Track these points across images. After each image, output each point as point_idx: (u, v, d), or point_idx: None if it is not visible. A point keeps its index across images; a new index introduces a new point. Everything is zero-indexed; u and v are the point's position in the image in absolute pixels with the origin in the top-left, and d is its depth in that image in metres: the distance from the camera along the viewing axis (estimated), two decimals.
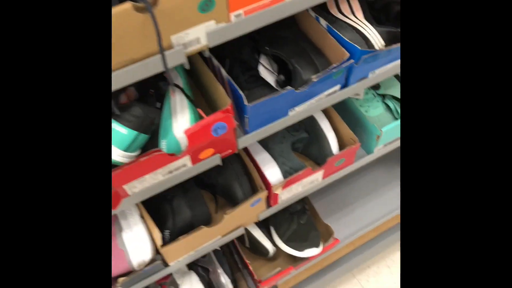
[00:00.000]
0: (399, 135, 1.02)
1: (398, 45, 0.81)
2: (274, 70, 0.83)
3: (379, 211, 1.28)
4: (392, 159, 1.38)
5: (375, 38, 0.84)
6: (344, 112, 1.04)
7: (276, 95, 0.73)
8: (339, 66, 0.77)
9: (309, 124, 0.99)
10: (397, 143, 1.05)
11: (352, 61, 0.77)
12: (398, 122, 0.96)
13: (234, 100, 0.78)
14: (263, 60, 0.84)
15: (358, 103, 1.06)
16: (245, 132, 0.79)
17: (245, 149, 0.96)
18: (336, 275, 1.29)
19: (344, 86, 0.84)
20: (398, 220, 1.33)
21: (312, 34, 0.85)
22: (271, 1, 0.64)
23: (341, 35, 0.79)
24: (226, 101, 0.72)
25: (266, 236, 1.09)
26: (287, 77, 0.83)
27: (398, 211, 1.27)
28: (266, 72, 0.82)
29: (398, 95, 1.03)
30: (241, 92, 0.72)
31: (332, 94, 0.84)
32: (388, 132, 0.97)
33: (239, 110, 0.78)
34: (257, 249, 1.11)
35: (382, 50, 0.79)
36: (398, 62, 0.87)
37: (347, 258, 1.29)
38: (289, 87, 0.74)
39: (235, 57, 0.83)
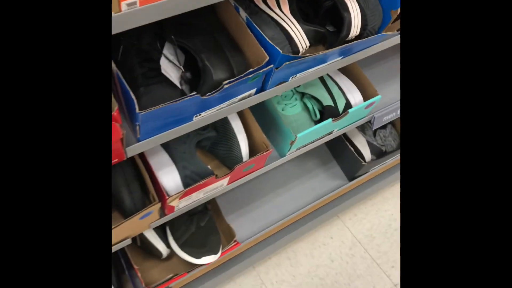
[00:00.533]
0: (314, 138, 0.94)
1: (326, 52, 0.71)
2: (180, 64, 0.69)
3: (287, 207, 1.22)
4: (303, 154, 1.31)
5: (300, 37, 0.73)
6: (260, 108, 0.93)
7: (177, 102, 0.60)
8: (256, 72, 0.65)
9: (219, 122, 0.87)
10: (311, 146, 0.98)
11: (271, 66, 0.66)
12: (313, 128, 0.88)
13: (124, 99, 0.63)
14: (167, 51, 0.69)
15: (276, 100, 0.96)
16: (137, 140, 0.65)
17: None
18: (236, 271, 1.23)
19: (261, 90, 0.73)
20: (304, 214, 1.30)
21: (231, 26, 0.72)
22: None
23: (261, 31, 0.67)
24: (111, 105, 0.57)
25: (160, 237, 0.98)
26: (195, 74, 0.69)
27: (306, 207, 1.23)
28: (170, 66, 0.68)
29: (317, 95, 0.95)
30: (132, 96, 0.58)
31: (246, 98, 0.72)
32: (302, 138, 0.88)
33: (130, 112, 0.63)
34: (149, 250, 1.00)
35: (307, 57, 0.68)
36: (323, 66, 0.77)
37: (249, 253, 1.23)
38: (194, 93, 0.61)
39: (132, 44, 0.67)
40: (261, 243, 1.25)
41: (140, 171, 0.79)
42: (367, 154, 1.19)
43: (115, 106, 0.56)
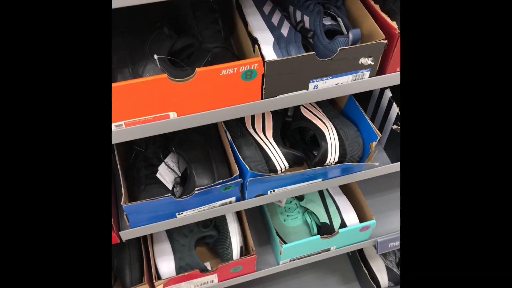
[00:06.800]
0: (305, 252, 1.01)
1: (294, 172, 0.83)
2: (179, 171, 0.87)
3: None
4: (324, 267, 1.34)
5: (278, 159, 0.86)
6: (264, 214, 1.05)
7: (153, 200, 0.76)
8: (225, 183, 0.79)
9: (220, 222, 1.01)
10: (310, 260, 1.04)
11: (239, 179, 0.80)
12: (301, 241, 0.96)
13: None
14: (170, 158, 0.88)
15: (280, 210, 1.07)
16: (130, 226, 0.82)
17: (150, 236, 0.99)
18: None
19: (241, 199, 0.86)
20: None
21: (224, 143, 0.89)
22: (154, 118, 0.68)
23: (239, 151, 0.82)
24: None
25: None
26: (185, 180, 0.86)
27: None
28: (167, 172, 0.86)
29: (315, 211, 1.04)
30: (122, 190, 0.76)
31: (227, 204, 0.86)
32: (290, 249, 0.97)
33: None
34: None
35: (273, 175, 0.81)
36: (301, 185, 0.88)
37: None
38: (168, 195, 0.77)
39: (141, 151, 0.88)
40: None
41: (142, 254, 0.94)
42: (383, 280, 1.19)
43: None
